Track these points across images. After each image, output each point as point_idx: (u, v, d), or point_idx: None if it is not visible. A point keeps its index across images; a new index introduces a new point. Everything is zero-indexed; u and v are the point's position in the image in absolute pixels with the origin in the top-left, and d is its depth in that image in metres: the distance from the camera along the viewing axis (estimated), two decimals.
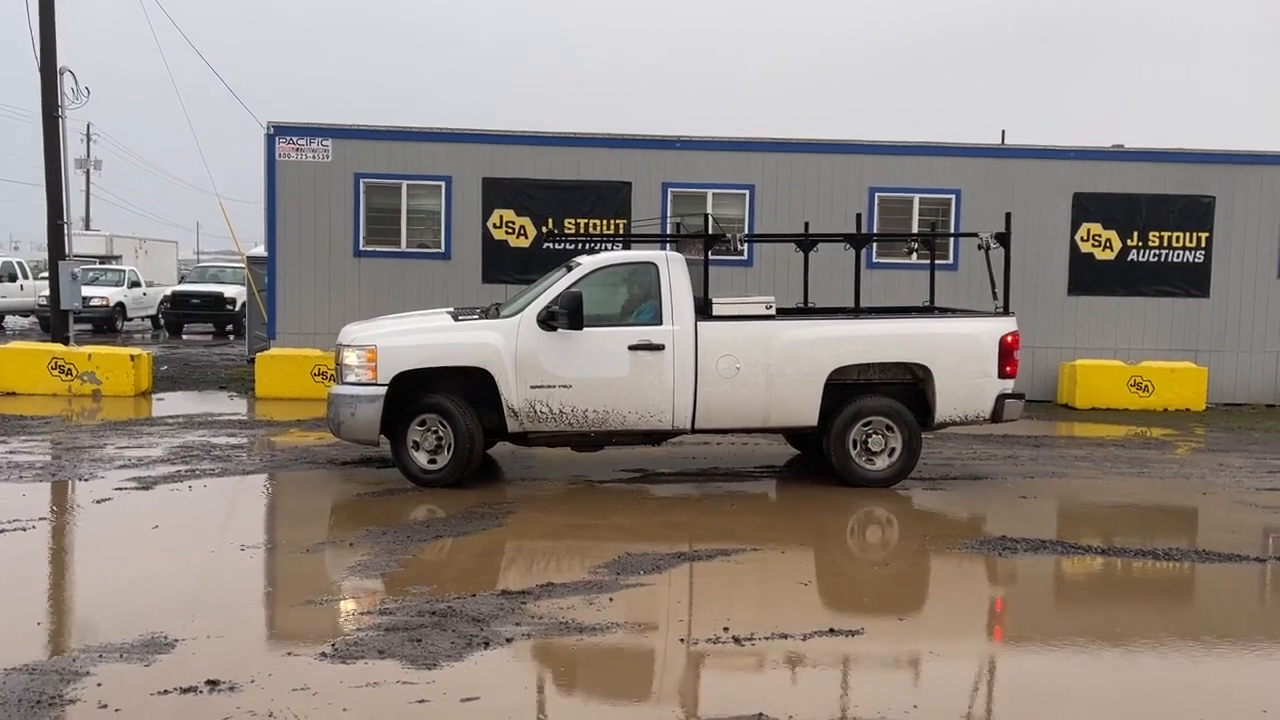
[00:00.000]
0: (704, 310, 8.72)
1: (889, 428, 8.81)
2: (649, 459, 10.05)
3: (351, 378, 8.46)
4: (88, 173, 48.83)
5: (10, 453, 9.73)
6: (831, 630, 5.26)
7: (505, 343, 8.38)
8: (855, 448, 8.79)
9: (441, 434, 8.46)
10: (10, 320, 28.35)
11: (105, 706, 4.19)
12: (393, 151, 14.99)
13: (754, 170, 15.17)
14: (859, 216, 10.62)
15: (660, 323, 8.52)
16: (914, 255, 12.45)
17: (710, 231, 9.57)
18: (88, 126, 48.29)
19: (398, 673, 4.59)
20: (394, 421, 8.42)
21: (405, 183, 14.92)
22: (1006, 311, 9.23)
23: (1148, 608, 6.07)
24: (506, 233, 14.93)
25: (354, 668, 4.64)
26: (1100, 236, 15.53)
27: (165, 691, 4.34)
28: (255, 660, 4.79)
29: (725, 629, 5.22)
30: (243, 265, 20.37)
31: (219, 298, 25.65)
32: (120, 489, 8.26)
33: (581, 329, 8.32)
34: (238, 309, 24.70)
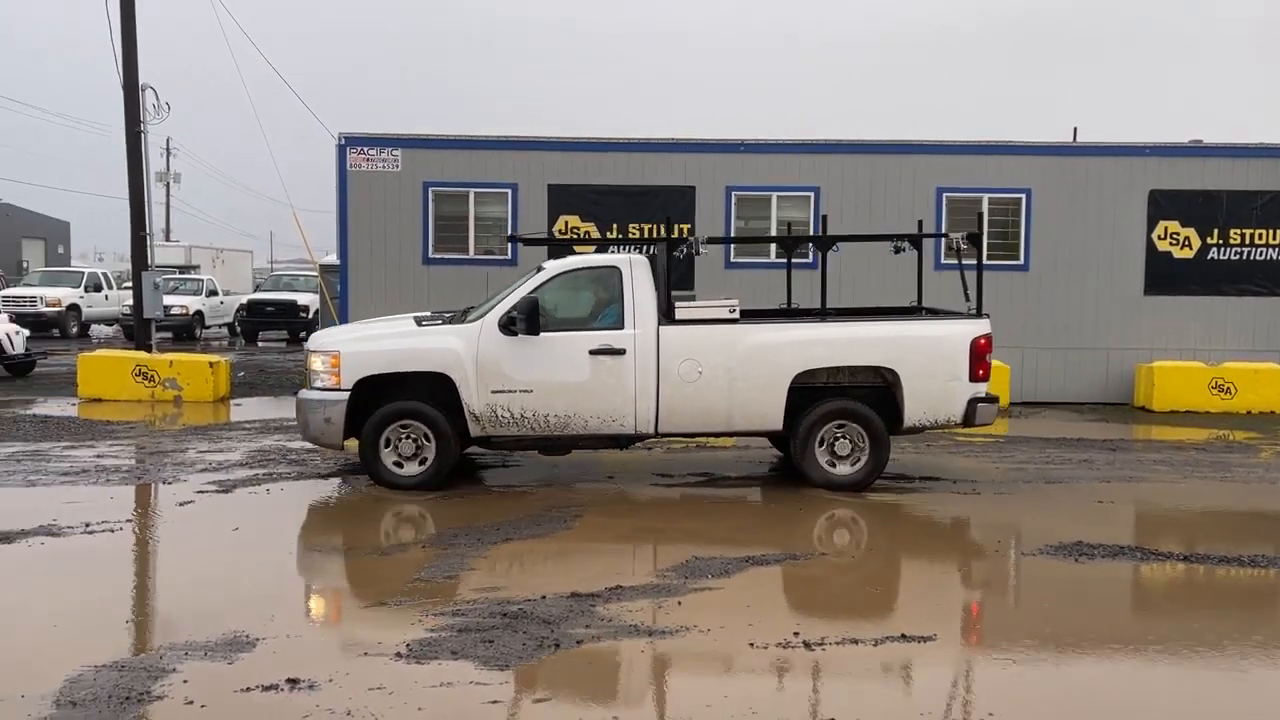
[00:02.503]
0: (670, 314, 8.69)
1: (857, 432, 8.71)
2: (716, 463, 10.05)
3: (318, 383, 8.62)
4: (167, 185, 50.39)
5: (98, 456, 10.09)
6: (904, 636, 5.20)
7: (466, 347, 8.45)
8: (821, 451, 8.71)
9: (417, 439, 8.56)
10: (95, 329, 29.37)
11: (191, 703, 4.32)
12: (460, 160, 15.20)
13: (819, 172, 15.07)
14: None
15: (623, 327, 8.53)
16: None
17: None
18: (167, 141, 49.86)
19: (471, 673, 4.66)
20: (362, 426, 8.52)
21: (472, 190, 15.12)
22: (979, 314, 9.06)
23: (1231, 616, 5.89)
24: (573, 238, 15.04)
25: (428, 668, 4.73)
26: (1178, 234, 15.10)
27: (248, 689, 4.47)
28: (333, 660, 4.91)
29: (795, 633, 5.20)
30: (315, 273, 20.84)
31: (293, 305, 26.28)
32: (202, 492, 8.52)
33: (538, 334, 8.37)
34: (311, 316, 25.28)
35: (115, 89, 17.30)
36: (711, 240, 10.66)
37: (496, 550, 6.81)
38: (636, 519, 7.99)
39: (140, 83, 17.16)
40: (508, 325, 8.39)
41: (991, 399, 8.93)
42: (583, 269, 8.99)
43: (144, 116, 17.21)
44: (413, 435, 8.55)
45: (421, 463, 8.56)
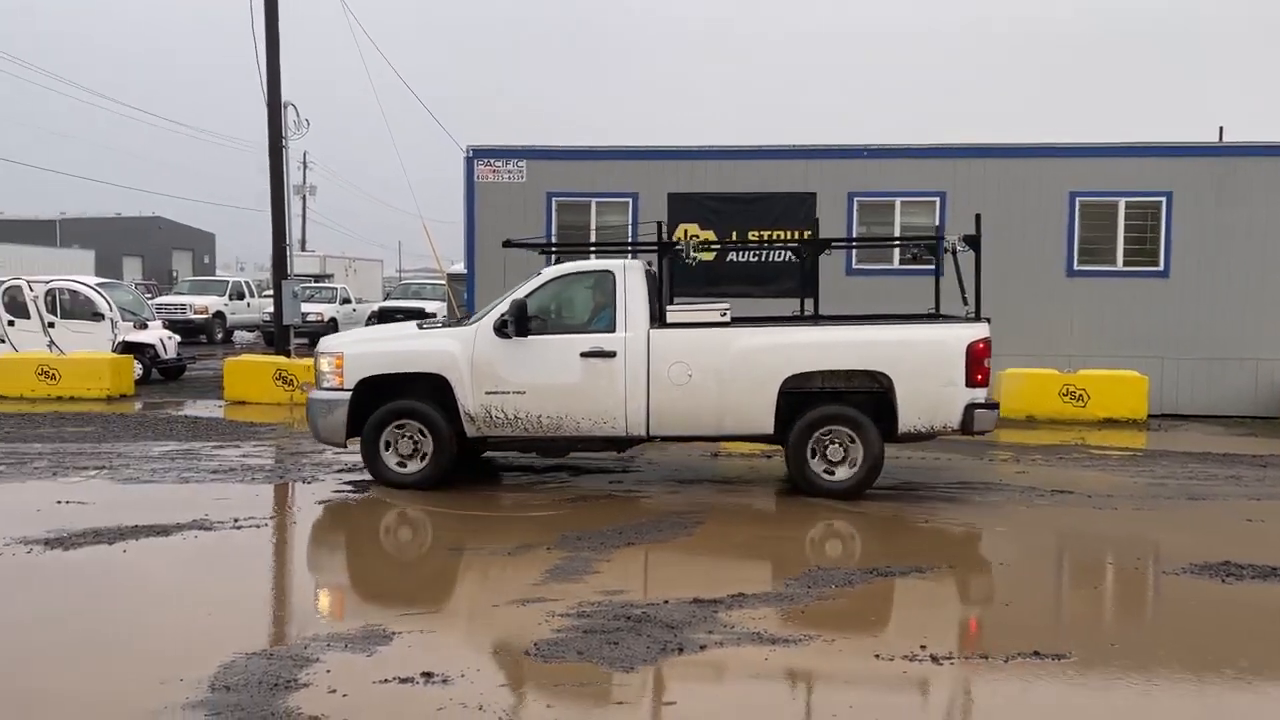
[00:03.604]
0: (662, 318, 8.72)
1: (849, 437, 8.52)
2: None
3: (325, 383, 8.97)
4: (304, 198, 52.78)
5: (243, 456, 10.65)
6: (1036, 653, 5.05)
7: (462, 350, 8.66)
8: (814, 457, 8.56)
9: (416, 438, 8.79)
10: (238, 335, 30.96)
11: (334, 692, 4.54)
12: (582, 170, 15.46)
13: (944, 177, 14.75)
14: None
15: (615, 330, 8.59)
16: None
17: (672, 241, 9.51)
18: (304, 154, 52.22)
19: (597, 674, 4.75)
20: (364, 425, 8.81)
21: (594, 200, 15.36)
22: (978, 317, 8.76)
23: None
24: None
25: (555, 667, 4.84)
26: None
27: (385, 680, 4.66)
28: (465, 655, 5.08)
29: (922, 646, 5.11)
30: (443, 282, 21.50)
31: (421, 313, 27.12)
32: (338, 491, 8.91)
33: (527, 336, 8.53)
34: None
35: (257, 108, 18.25)
36: (702, 246, 10.73)
37: (619, 554, 6.91)
38: (758, 527, 7.98)
39: (283, 100, 18.05)
40: (501, 328, 8.60)
41: (992, 405, 8.69)
42: (578, 273, 9.17)
43: (286, 132, 18.09)
44: (411, 435, 8.84)
45: (421, 459, 8.83)
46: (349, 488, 9.04)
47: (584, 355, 8.58)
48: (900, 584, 6.38)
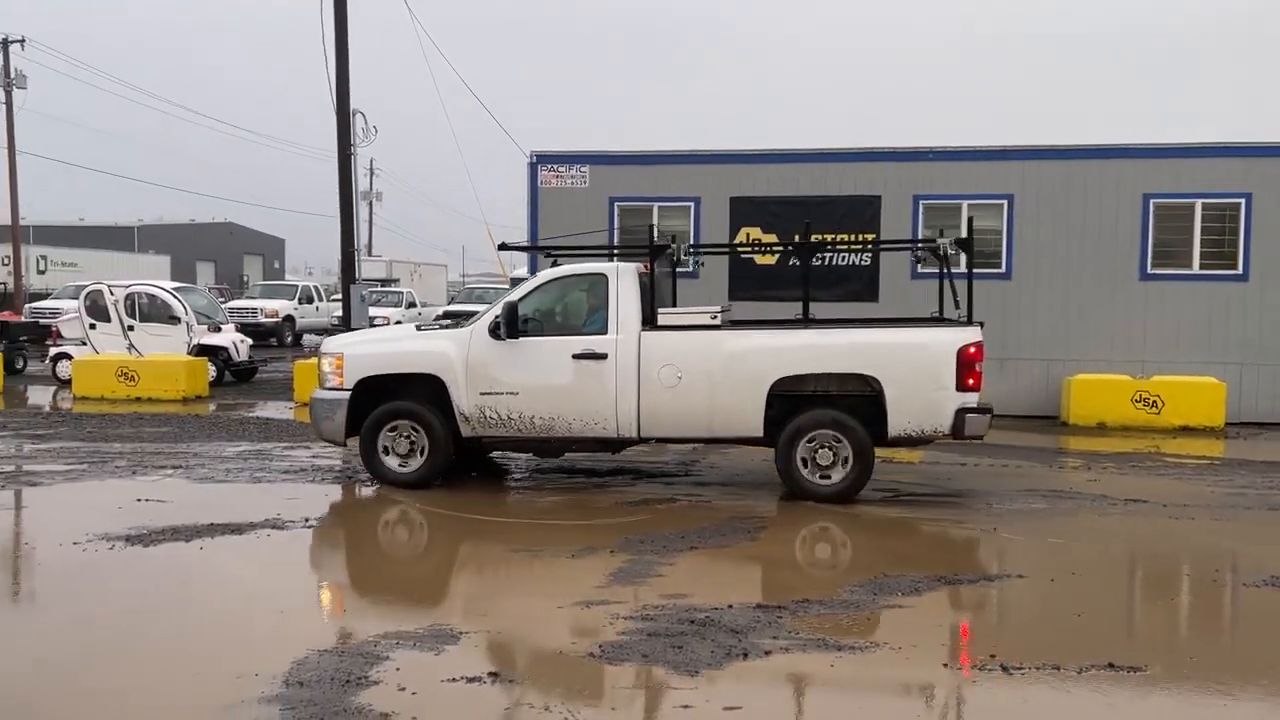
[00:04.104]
0: (653, 320, 8.73)
1: (838, 440, 8.44)
2: (903, 478, 9.82)
3: (326, 383, 9.17)
4: (370, 204, 53.75)
5: (313, 457, 10.88)
6: (1110, 665, 4.94)
7: (457, 351, 8.79)
8: (804, 461, 8.51)
9: (413, 438, 8.93)
10: (307, 338, 31.61)
11: (404, 689, 4.62)
12: (643, 175, 15.50)
13: (1013, 179, 14.50)
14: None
15: (607, 332, 8.64)
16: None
17: (658, 242, 9.44)
18: (370, 161, 53.19)
19: (661, 677, 4.77)
20: (363, 425, 9.00)
21: (656, 205, 15.38)
22: (970, 321, 8.60)
23: None
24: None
25: (620, 669, 4.87)
26: None
27: (453, 679, 4.73)
28: (531, 656, 5.13)
29: (992, 655, 5.03)
30: (506, 286, 21.70)
31: None
32: (405, 494, 9.03)
33: (517, 338, 8.63)
34: None
35: (326, 117, 18.63)
36: (695, 248, 10.71)
37: (682, 558, 6.91)
38: (821, 533, 7.93)
39: (351, 108, 18.41)
40: (494, 330, 8.72)
41: (984, 410, 8.54)
42: (572, 276, 9.21)
43: (354, 140, 18.44)
44: (408, 434, 8.98)
45: (420, 456, 8.97)
46: (415, 491, 9.17)
47: (576, 357, 8.68)
48: (968, 592, 6.29)
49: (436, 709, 4.44)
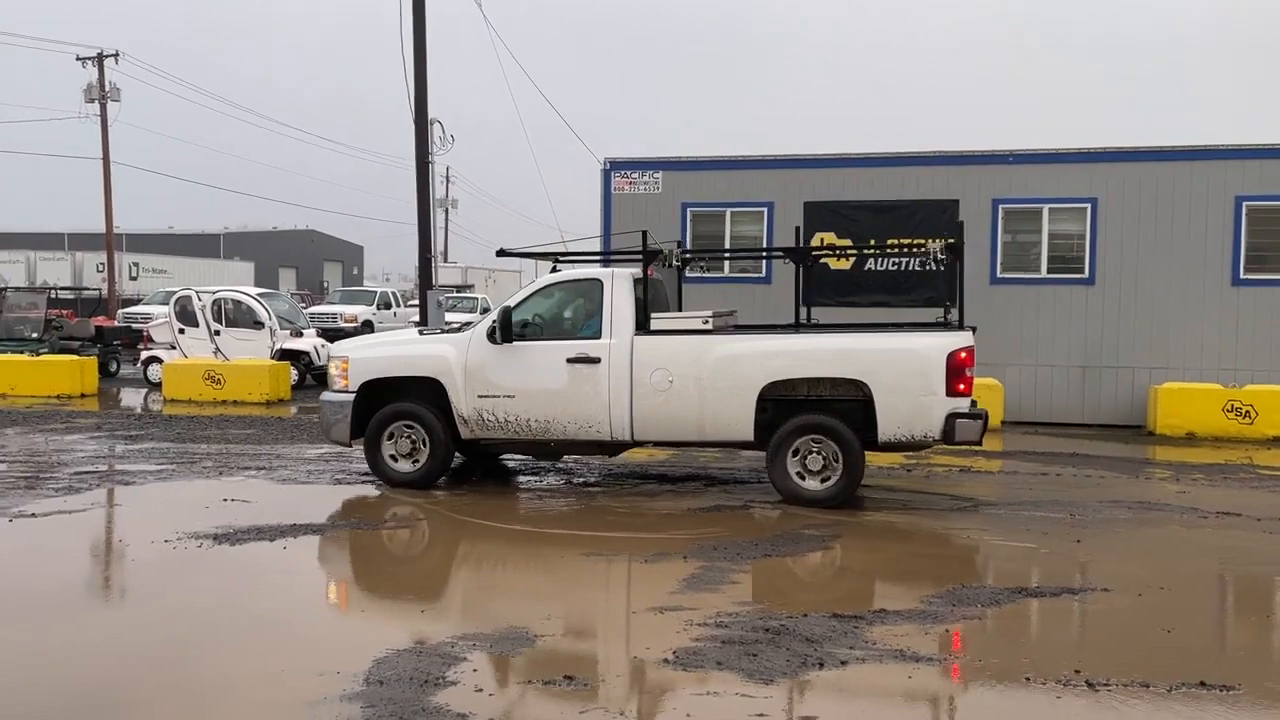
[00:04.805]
0: (646, 325, 8.78)
1: (827, 445, 8.36)
2: (980, 488, 9.63)
3: (334, 386, 9.40)
4: (446, 211, 54.63)
5: None
6: (1203, 684, 4.77)
7: (457, 355, 8.95)
8: (794, 464, 8.44)
9: (413, 439, 9.07)
10: None
11: (480, 690, 4.67)
12: (716, 180, 15.48)
13: (1096, 182, 14.13)
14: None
15: (600, 337, 8.65)
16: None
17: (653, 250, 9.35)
18: (447, 169, 54.08)
19: (736, 685, 4.74)
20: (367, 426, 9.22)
21: (728, 210, 15.35)
22: (962, 326, 8.41)
23: None
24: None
25: (694, 675, 4.86)
26: None
27: (530, 682, 4.78)
28: (605, 660, 5.16)
29: (1076, 670, 4.90)
30: None
31: None
32: (482, 498, 9.15)
33: (511, 342, 8.75)
34: None
35: (405, 126, 18.99)
36: (687, 253, 10.63)
37: (755, 565, 6.88)
38: (895, 542, 7.81)
39: (429, 117, 18.74)
40: (491, 334, 8.84)
41: (976, 415, 8.34)
42: (569, 281, 9.30)
43: (432, 148, 18.77)
44: (409, 435, 9.14)
45: (416, 460, 9.17)
46: (491, 496, 9.28)
47: (570, 361, 8.78)
48: (1051, 605, 6.14)
49: (513, 711, 4.49)
